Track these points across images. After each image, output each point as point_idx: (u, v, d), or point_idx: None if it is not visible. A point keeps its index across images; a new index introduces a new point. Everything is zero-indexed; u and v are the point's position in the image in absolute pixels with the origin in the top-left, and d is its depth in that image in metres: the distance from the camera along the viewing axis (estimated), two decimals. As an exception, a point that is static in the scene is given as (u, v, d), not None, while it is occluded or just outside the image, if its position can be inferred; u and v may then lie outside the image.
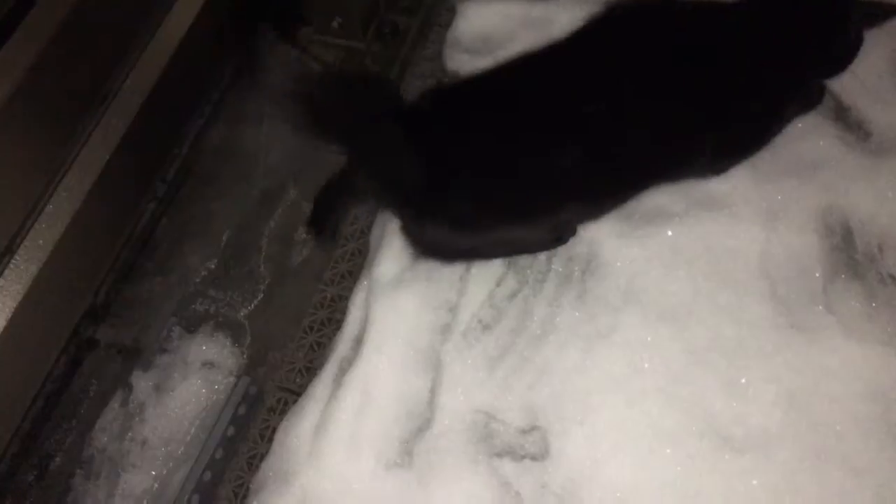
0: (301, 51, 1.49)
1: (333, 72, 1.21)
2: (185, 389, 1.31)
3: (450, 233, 1.10)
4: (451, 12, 1.56)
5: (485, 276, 1.27)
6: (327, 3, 1.41)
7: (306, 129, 1.02)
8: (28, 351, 1.12)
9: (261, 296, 1.41)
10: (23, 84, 0.98)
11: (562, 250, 1.27)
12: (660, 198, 1.26)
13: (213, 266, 1.45)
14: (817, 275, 1.19)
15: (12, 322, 1.04)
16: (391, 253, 1.30)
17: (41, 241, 1.07)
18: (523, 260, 1.28)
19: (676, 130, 1.08)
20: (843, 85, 1.34)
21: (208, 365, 1.34)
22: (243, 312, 1.39)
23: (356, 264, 1.37)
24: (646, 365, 1.16)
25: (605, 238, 1.26)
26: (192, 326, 1.38)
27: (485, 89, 1.07)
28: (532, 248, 1.27)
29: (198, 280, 1.43)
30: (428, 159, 0.99)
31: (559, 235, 1.25)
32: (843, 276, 1.19)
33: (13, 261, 1.05)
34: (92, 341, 1.38)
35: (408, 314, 1.24)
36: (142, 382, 1.33)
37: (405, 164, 1.00)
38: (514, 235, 1.20)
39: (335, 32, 1.46)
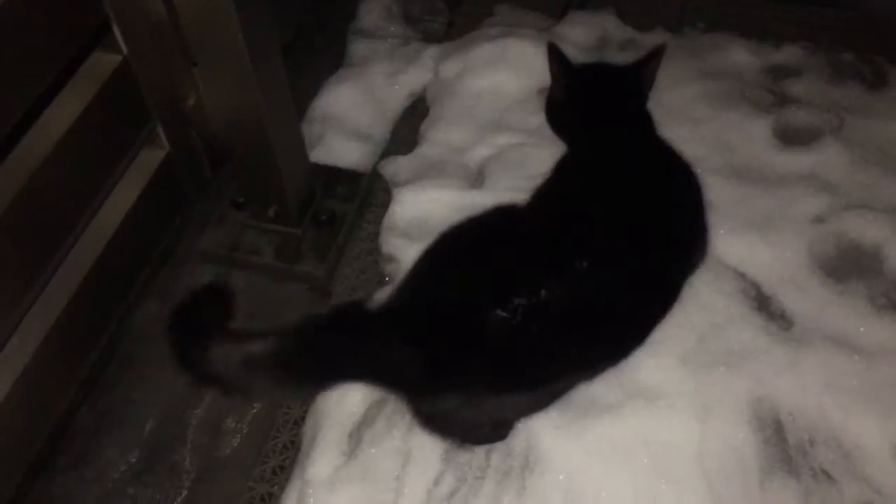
0: (235, 235, 1.48)
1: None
2: None
3: (466, 404, 1.09)
4: (387, 192, 1.60)
5: (422, 474, 1.23)
6: (264, 192, 1.41)
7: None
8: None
9: (185, 492, 1.32)
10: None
11: (500, 444, 1.25)
12: (594, 388, 1.26)
13: (133, 459, 1.36)
14: (754, 471, 1.19)
15: None
16: (325, 449, 1.25)
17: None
18: (461, 456, 1.25)
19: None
20: (764, 274, 1.40)
21: (123, 577, 1.24)
22: (164, 513, 1.31)
23: (288, 458, 1.31)
24: (590, 572, 1.13)
25: (541, 430, 1.25)
26: (107, 532, 1.28)
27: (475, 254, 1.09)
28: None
29: (116, 476, 1.34)
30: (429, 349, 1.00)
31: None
32: (778, 472, 1.19)
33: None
34: (-1, 544, 1.27)
35: (343, 520, 1.18)
36: None
37: (406, 366, 1.00)
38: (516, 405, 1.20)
39: (270, 219, 1.46)
